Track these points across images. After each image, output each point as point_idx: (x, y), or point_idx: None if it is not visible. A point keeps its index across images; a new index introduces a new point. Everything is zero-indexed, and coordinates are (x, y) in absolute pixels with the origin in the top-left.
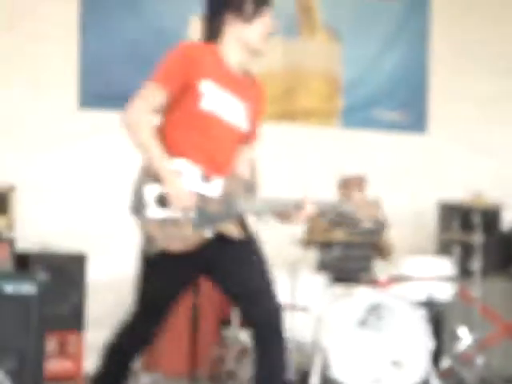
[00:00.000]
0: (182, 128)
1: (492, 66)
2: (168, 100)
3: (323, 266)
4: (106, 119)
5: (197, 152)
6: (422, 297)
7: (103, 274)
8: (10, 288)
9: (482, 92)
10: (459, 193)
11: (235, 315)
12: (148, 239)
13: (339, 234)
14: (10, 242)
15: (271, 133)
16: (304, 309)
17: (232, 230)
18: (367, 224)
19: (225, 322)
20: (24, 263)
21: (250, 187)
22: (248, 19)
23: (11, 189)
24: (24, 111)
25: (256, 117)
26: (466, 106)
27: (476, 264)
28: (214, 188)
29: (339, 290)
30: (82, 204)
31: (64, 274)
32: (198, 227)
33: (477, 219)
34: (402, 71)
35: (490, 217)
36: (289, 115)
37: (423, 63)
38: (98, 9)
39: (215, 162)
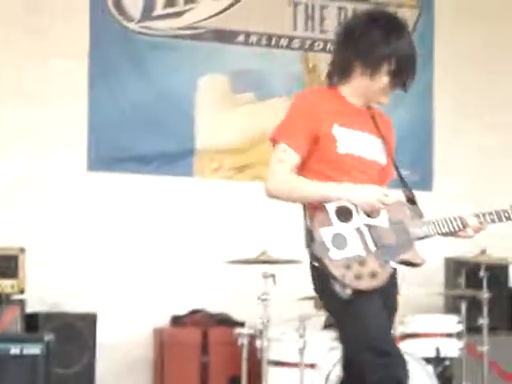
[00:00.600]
0: (327, 175)
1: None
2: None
3: (331, 324)
4: (115, 181)
5: None
6: (430, 353)
7: (113, 333)
8: (16, 349)
9: (484, 147)
10: (466, 249)
11: (244, 372)
12: (339, 283)
13: None
14: (21, 304)
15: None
16: (312, 366)
17: (416, 257)
18: None
19: (234, 379)
20: (34, 324)
21: (414, 210)
22: (375, 74)
23: (21, 251)
24: (33, 173)
25: (392, 148)
26: (470, 161)
27: (483, 320)
28: (382, 220)
29: None
30: (92, 265)
31: (74, 334)
32: (383, 261)
33: (484, 275)
34: (408, 129)
35: (498, 273)
36: None
37: (429, 121)
38: (106, 71)
39: None
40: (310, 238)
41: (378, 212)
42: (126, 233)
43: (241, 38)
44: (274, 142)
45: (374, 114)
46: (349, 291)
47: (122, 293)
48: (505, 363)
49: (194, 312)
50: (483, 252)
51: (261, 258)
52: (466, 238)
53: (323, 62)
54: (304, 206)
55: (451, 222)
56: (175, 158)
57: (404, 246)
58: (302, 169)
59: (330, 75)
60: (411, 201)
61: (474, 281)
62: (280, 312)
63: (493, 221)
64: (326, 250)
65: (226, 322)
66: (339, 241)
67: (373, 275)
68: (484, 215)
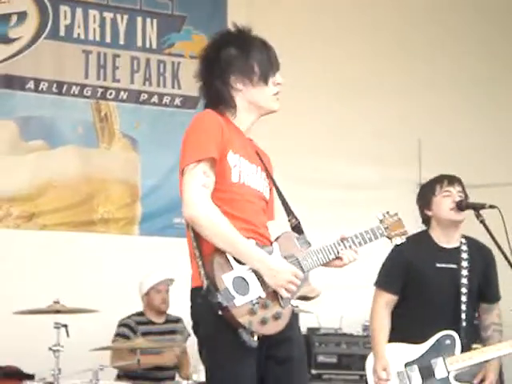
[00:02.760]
0: (215, 203)
1: None
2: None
3: (125, 374)
4: None
5: (241, 225)
6: None
7: None
8: None
9: None
10: None
11: None
12: (246, 331)
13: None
14: None
15: (69, 240)
16: None
17: (311, 290)
18: None
19: None
20: None
21: (302, 240)
22: (259, 82)
23: None
24: None
25: (272, 182)
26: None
27: None
28: (276, 257)
29: None
30: None
31: None
32: (285, 301)
33: None
34: None
35: None
36: (88, 223)
37: None
38: None
39: (258, 232)
40: (213, 286)
41: (271, 250)
42: None
43: (30, 85)
44: (186, 165)
45: (257, 147)
46: (256, 338)
47: None
48: None
49: None
50: None
51: (53, 307)
52: (339, 267)
53: (115, 110)
54: (198, 247)
55: (333, 248)
56: None
57: (302, 281)
58: None
59: (210, 107)
60: (298, 229)
61: None
62: (73, 363)
63: (360, 243)
64: (230, 297)
65: (15, 374)
66: (241, 285)
67: (276, 317)
68: (352, 239)
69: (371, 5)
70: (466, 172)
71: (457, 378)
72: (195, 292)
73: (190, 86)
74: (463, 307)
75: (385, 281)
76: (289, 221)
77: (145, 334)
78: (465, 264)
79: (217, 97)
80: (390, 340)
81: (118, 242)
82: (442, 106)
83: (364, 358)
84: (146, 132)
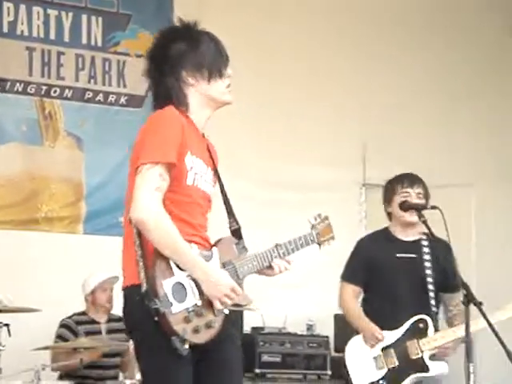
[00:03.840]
0: (167, 205)
1: None
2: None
3: (67, 374)
4: None
5: (188, 229)
6: None
7: None
8: None
9: None
10: None
11: None
12: (179, 339)
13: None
14: None
15: (12, 239)
16: None
17: (243, 299)
18: None
19: None
20: None
21: (240, 246)
22: (211, 75)
23: None
24: None
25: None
26: None
27: None
28: (214, 263)
29: None
30: None
31: None
32: (218, 310)
33: None
34: None
35: None
36: (31, 222)
37: None
38: None
39: (201, 236)
40: (152, 291)
41: (211, 255)
42: None
43: None
44: (143, 164)
45: (208, 142)
46: (187, 346)
47: None
48: None
49: None
50: None
51: None
52: (270, 276)
53: (60, 108)
54: (141, 247)
55: (267, 255)
56: None
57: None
58: None
59: (162, 105)
60: (237, 234)
61: None
62: (15, 363)
63: (293, 250)
64: (168, 304)
65: None
66: (179, 292)
67: (209, 326)
68: (285, 245)
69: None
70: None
71: (431, 358)
72: (131, 290)
73: (136, 84)
74: (431, 294)
75: (347, 274)
76: (229, 223)
77: (87, 333)
78: (427, 256)
79: (169, 94)
80: None
81: (62, 240)
82: (387, 107)
83: (308, 357)
84: (90, 130)
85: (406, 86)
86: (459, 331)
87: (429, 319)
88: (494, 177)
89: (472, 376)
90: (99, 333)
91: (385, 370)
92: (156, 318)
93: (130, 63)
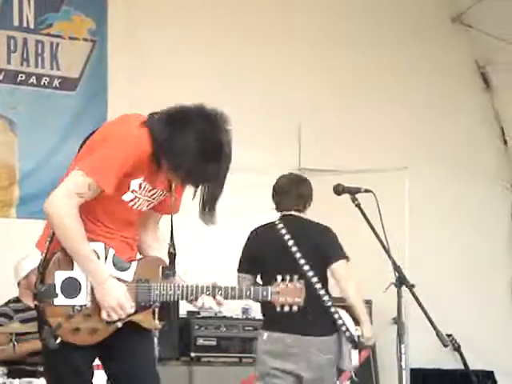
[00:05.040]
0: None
1: None
2: None
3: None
4: None
5: (106, 229)
6: None
7: None
8: None
9: None
10: None
11: None
12: (50, 331)
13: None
14: None
15: None
16: None
17: (145, 320)
18: None
19: None
20: None
21: (168, 270)
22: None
23: None
24: None
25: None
26: None
27: None
28: (128, 274)
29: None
30: None
31: None
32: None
33: None
34: None
35: None
36: None
37: None
38: None
39: (122, 240)
40: (41, 276)
41: (126, 267)
42: None
43: None
44: (81, 170)
45: None
46: (57, 342)
47: None
48: None
49: None
50: None
51: None
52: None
53: None
54: (52, 236)
55: (197, 291)
56: None
57: (139, 306)
58: None
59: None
60: (171, 258)
61: None
62: None
63: (233, 297)
64: (53, 294)
65: None
66: (72, 287)
67: (92, 332)
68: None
69: None
70: (344, 157)
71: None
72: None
73: (69, 67)
74: None
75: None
76: (168, 246)
77: (23, 321)
78: None
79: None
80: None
81: None
82: (323, 89)
83: (243, 340)
84: (23, 113)
85: (343, 71)
86: None
87: None
88: (426, 161)
89: (404, 357)
90: (35, 319)
91: None
92: (36, 303)
93: (64, 46)
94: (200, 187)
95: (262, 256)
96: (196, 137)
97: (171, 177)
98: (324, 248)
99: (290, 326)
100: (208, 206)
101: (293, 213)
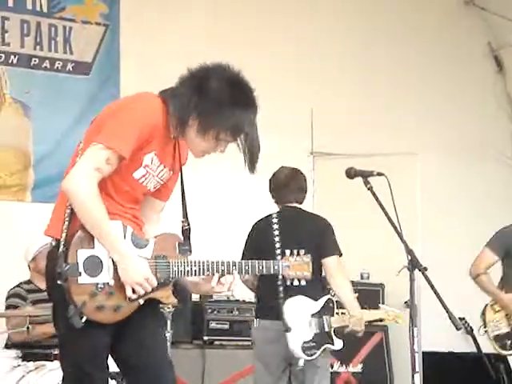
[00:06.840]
0: (105, 189)
1: None
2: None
3: (13, 344)
4: None
5: (119, 206)
6: None
7: None
8: None
9: None
10: None
11: None
12: (75, 310)
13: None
14: None
15: None
16: None
17: (166, 296)
18: None
19: None
20: None
21: (183, 247)
22: (202, 132)
23: None
24: None
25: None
26: None
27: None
28: (147, 251)
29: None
30: None
31: None
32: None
33: None
34: None
35: None
36: None
37: None
38: None
39: (132, 219)
40: (64, 255)
41: (145, 244)
42: None
43: None
44: (97, 143)
45: (179, 141)
46: (82, 321)
47: None
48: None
49: None
50: None
51: None
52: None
53: (5, 74)
54: (70, 215)
55: (213, 266)
56: None
57: (159, 283)
58: None
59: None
60: (186, 234)
61: None
62: None
63: (247, 272)
64: (76, 273)
65: None
66: (94, 265)
67: (116, 309)
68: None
69: None
70: (356, 141)
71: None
72: (53, 249)
73: (83, 51)
74: None
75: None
76: (182, 222)
77: (35, 302)
78: None
79: (178, 106)
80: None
81: (10, 208)
82: (334, 75)
83: None
84: (37, 97)
85: (354, 57)
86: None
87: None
88: (437, 146)
89: (416, 340)
90: (46, 300)
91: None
92: (59, 282)
93: (77, 30)
94: (239, 139)
95: (260, 248)
96: (226, 83)
97: (198, 142)
98: (319, 241)
99: (281, 313)
100: (254, 157)
101: (295, 204)
